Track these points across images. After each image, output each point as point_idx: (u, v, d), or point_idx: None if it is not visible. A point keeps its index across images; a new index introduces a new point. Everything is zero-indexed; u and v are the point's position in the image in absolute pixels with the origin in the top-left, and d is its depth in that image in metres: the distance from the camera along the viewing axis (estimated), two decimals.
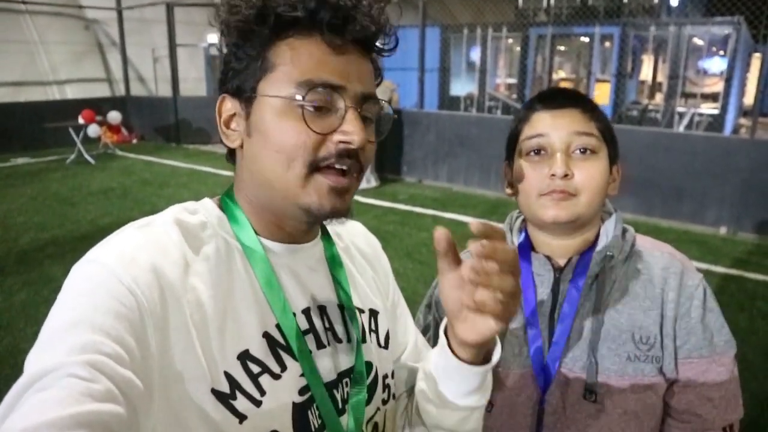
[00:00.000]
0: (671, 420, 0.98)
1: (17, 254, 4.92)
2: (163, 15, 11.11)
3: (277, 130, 0.67)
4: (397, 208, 6.66)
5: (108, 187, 7.59)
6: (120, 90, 12.69)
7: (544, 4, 12.92)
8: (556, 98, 0.97)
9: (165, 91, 12.12)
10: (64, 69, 12.14)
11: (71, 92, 12.10)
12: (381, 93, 7.49)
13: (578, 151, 0.93)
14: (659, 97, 11.80)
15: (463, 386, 0.74)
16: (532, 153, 0.96)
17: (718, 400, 0.94)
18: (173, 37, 11.21)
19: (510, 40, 12.75)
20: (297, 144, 0.67)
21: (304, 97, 0.66)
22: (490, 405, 1.01)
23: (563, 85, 13.33)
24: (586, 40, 12.06)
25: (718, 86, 11.16)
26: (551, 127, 0.94)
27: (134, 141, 11.84)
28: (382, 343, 0.85)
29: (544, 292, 0.99)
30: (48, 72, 11.91)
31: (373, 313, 0.85)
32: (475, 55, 12.64)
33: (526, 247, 1.02)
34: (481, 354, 0.72)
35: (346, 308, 0.80)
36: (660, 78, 12.25)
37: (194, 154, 10.38)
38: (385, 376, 0.83)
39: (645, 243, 1.01)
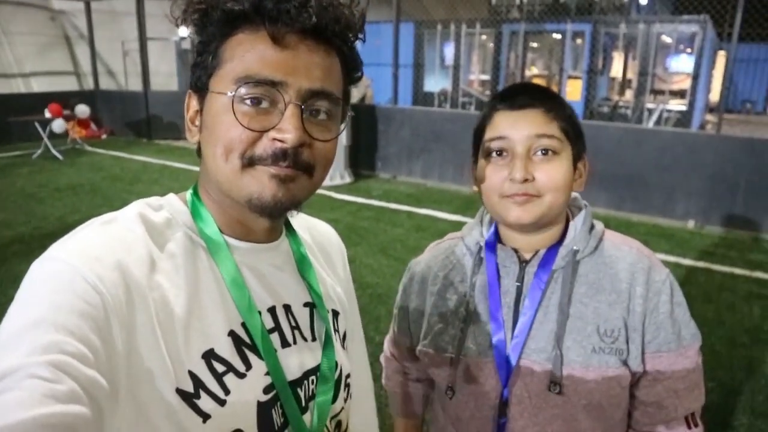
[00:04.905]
0: (636, 412, 1.00)
1: None
2: (133, 7, 10.90)
3: (217, 125, 0.67)
4: (372, 204, 6.65)
5: (76, 183, 7.43)
6: (88, 84, 12.42)
7: (517, 1, 13.03)
8: (517, 97, 0.96)
9: (135, 85, 11.90)
10: (29, 61, 11.83)
11: (37, 85, 11.81)
12: (355, 88, 7.57)
13: (539, 153, 0.93)
14: (629, 94, 12.00)
15: None
16: (494, 154, 0.96)
17: (683, 390, 0.96)
18: (144, 30, 11.00)
19: (483, 37, 12.82)
20: (232, 139, 0.66)
21: (235, 93, 0.65)
22: (452, 392, 1.02)
23: (536, 81, 13.46)
24: (559, 36, 12.19)
25: (685, 83, 11.40)
26: (512, 129, 0.94)
27: (104, 136, 11.61)
28: (342, 343, 0.86)
29: (509, 283, 1.00)
30: (12, 64, 11.60)
31: (335, 314, 0.85)
32: (449, 51, 12.68)
33: (494, 240, 1.03)
34: None
35: (315, 307, 0.80)
36: (630, 75, 12.45)
37: (166, 150, 10.22)
38: (347, 375, 0.84)
39: (614, 238, 1.02)
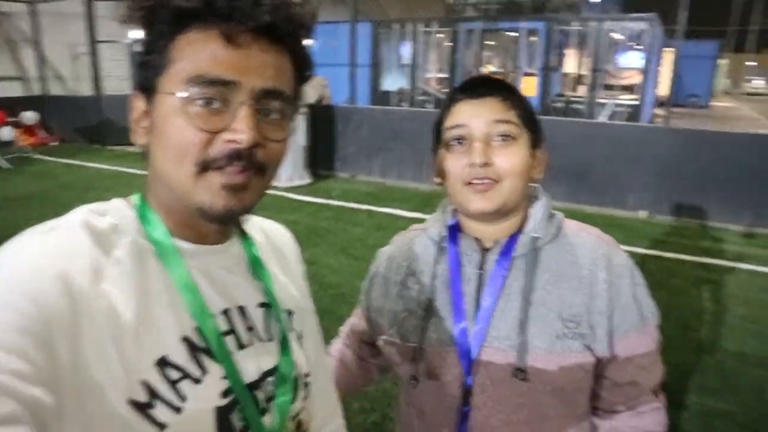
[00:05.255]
0: (606, 392, 1.02)
1: None
2: (81, 8, 10.58)
3: (167, 127, 0.65)
4: (331, 204, 6.63)
5: (26, 192, 7.18)
6: (36, 89, 12.00)
7: (473, 0, 13.18)
8: (476, 88, 0.99)
9: (87, 89, 11.57)
10: None
11: None
12: (312, 89, 7.41)
13: (498, 139, 0.96)
14: (582, 90, 12.29)
15: None
16: (454, 143, 0.99)
17: (650, 366, 1.01)
18: (94, 32, 10.70)
19: (440, 35, 12.93)
20: (185, 142, 0.64)
21: (187, 94, 0.64)
22: (415, 380, 1.03)
23: None
24: (514, 35, 12.39)
25: (635, 79, 11.74)
26: (471, 117, 0.96)
27: (54, 143, 11.24)
28: (299, 342, 0.85)
29: (470, 271, 1.02)
30: None
31: (291, 314, 0.85)
32: (406, 50, 12.75)
33: (455, 229, 1.05)
34: None
35: (270, 308, 0.79)
36: (583, 71, 12.74)
37: (119, 156, 9.97)
38: (306, 375, 0.83)
39: (573, 226, 1.05)
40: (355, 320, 1.25)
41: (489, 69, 13.96)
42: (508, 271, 0.99)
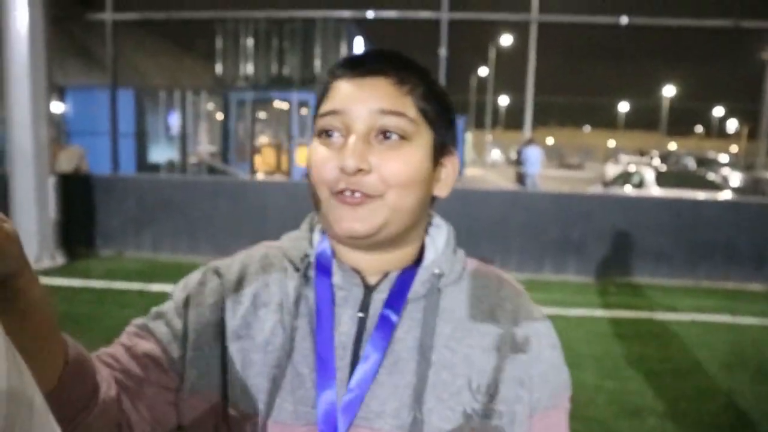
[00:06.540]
0: None
1: None
2: None
3: None
4: (92, 287, 5.79)
5: None
6: None
7: (242, 71, 13.23)
8: (364, 62, 0.72)
9: None
10: None
11: None
12: (66, 159, 6.55)
13: (381, 137, 0.70)
14: None
15: None
16: (324, 135, 0.72)
17: None
18: None
19: (211, 106, 12.64)
20: None
21: None
22: None
23: (266, 149, 13.54)
24: (286, 107, 12.65)
25: None
26: (351, 101, 0.70)
27: None
28: None
29: (348, 314, 0.72)
30: None
31: None
32: (175, 120, 12.19)
33: (329, 254, 0.76)
34: None
35: None
36: None
37: None
38: None
39: (477, 265, 0.81)
40: (146, 345, 0.75)
41: (262, 141, 13.97)
42: (400, 318, 0.72)
